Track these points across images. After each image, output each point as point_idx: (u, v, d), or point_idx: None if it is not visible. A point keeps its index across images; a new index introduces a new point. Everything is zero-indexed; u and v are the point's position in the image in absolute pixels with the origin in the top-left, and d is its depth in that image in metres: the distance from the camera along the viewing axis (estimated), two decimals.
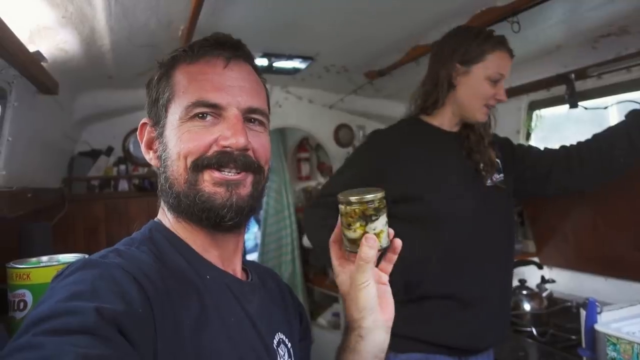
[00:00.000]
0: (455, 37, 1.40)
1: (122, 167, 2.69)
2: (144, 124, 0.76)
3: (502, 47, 1.36)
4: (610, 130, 1.47)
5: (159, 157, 0.73)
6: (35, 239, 1.63)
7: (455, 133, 1.47)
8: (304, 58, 2.17)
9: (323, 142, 3.35)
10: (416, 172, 1.39)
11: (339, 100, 3.00)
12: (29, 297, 1.10)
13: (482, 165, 1.41)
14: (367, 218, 0.70)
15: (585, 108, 1.79)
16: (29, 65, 1.36)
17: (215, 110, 0.68)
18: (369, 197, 0.70)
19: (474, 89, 1.37)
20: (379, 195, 0.70)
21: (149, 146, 0.75)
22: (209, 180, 0.67)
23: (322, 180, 4.26)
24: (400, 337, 1.36)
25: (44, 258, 1.21)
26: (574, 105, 1.75)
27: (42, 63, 1.50)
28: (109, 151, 2.70)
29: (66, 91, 1.86)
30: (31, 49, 1.38)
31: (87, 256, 0.68)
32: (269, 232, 4.07)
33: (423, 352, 1.36)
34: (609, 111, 1.77)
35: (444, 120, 1.46)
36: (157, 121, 0.73)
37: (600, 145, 1.45)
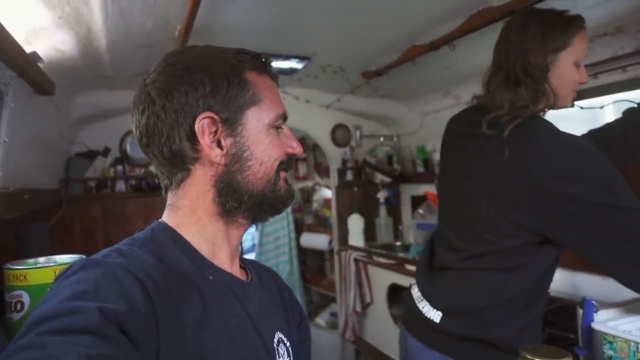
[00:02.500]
0: (537, 22, 1.25)
1: (119, 167, 2.69)
2: (208, 117, 0.70)
3: (583, 28, 1.25)
4: (607, 127, 1.47)
5: (232, 155, 0.72)
6: (32, 240, 1.63)
7: None
8: (301, 58, 2.17)
9: (320, 142, 3.35)
10: None
11: (336, 100, 3.00)
12: (26, 298, 1.09)
13: None
14: None
15: (581, 107, 1.79)
16: (25, 66, 1.36)
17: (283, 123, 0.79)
18: None
19: (564, 77, 1.25)
20: None
21: (217, 143, 0.71)
22: (282, 179, 0.77)
23: (319, 180, 4.26)
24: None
25: (41, 259, 1.21)
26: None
27: (38, 64, 1.49)
28: (106, 152, 2.70)
29: (63, 92, 1.86)
30: (27, 49, 1.38)
31: (84, 257, 0.68)
32: (267, 232, 4.07)
33: None
34: (605, 110, 1.78)
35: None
36: (230, 119, 0.71)
37: (595, 141, 1.45)
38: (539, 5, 1.37)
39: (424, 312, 1.35)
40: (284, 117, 0.78)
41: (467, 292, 1.29)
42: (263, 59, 0.77)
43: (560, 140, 1.18)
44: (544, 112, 1.32)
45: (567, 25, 1.23)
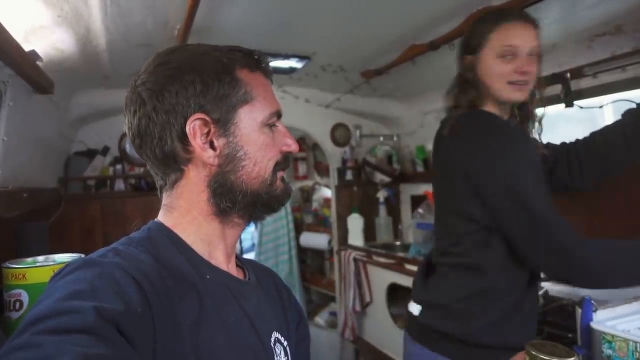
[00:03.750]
0: (468, 27, 1.34)
1: (118, 166, 2.69)
2: (199, 118, 0.69)
3: (506, 20, 1.27)
4: (606, 130, 1.47)
5: (225, 156, 0.71)
6: (31, 239, 1.63)
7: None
8: (301, 57, 2.17)
9: (320, 142, 3.35)
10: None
11: (336, 100, 3.00)
12: (24, 297, 1.09)
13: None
14: None
15: (581, 107, 1.79)
16: (24, 65, 1.36)
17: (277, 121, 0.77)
18: None
19: (488, 73, 1.29)
20: None
21: (210, 144, 0.71)
22: (279, 179, 0.77)
23: (318, 179, 4.27)
24: (497, 349, 1.24)
25: (40, 258, 1.21)
26: (569, 104, 1.76)
27: (37, 62, 1.49)
28: (105, 151, 2.69)
29: (62, 91, 1.85)
30: (26, 48, 1.38)
31: (83, 256, 0.68)
32: (266, 231, 4.07)
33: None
34: (604, 110, 1.78)
35: (496, 109, 1.34)
36: (222, 119, 0.70)
37: (597, 145, 1.45)
38: (537, 5, 1.38)
39: (409, 305, 1.42)
40: (278, 114, 0.76)
41: (438, 287, 1.35)
42: (255, 56, 0.76)
43: (484, 134, 1.25)
44: (517, 112, 1.36)
45: (484, 22, 1.30)
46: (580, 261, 1.16)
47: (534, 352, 0.69)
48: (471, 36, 1.31)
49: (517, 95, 1.29)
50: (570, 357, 0.69)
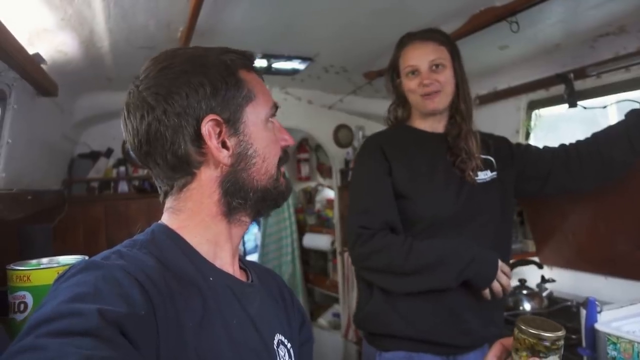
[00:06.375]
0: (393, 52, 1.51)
1: (122, 168, 2.69)
2: (212, 119, 0.70)
3: (406, 44, 1.45)
4: (610, 130, 1.47)
5: (237, 155, 0.72)
6: (35, 241, 1.63)
7: (442, 133, 1.48)
8: (303, 59, 2.17)
9: (323, 143, 3.35)
10: (400, 171, 1.41)
11: (338, 101, 3.00)
12: (29, 299, 1.10)
13: (459, 160, 1.40)
14: (534, 353, 0.69)
15: (584, 107, 1.79)
16: (28, 68, 1.37)
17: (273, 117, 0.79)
18: (544, 334, 0.68)
19: (407, 90, 1.46)
20: (555, 335, 0.68)
21: (222, 144, 0.71)
22: (282, 174, 0.79)
23: (321, 180, 4.26)
24: (384, 336, 1.37)
25: (44, 260, 1.21)
26: (573, 104, 1.75)
27: (41, 65, 1.50)
28: (109, 153, 2.70)
29: (66, 93, 1.86)
30: (30, 51, 1.39)
31: (87, 258, 0.68)
32: (269, 232, 4.07)
33: (408, 349, 1.36)
34: (608, 110, 1.78)
35: (422, 123, 1.50)
36: (231, 119, 0.71)
37: (599, 146, 1.45)
38: (539, 6, 1.38)
39: None
40: (276, 108, 0.79)
41: None
42: (248, 56, 0.79)
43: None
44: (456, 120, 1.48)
45: (395, 50, 1.49)
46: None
47: (523, 326, 0.69)
48: (392, 62, 1.49)
49: (429, 105, 1.43)
50: (558, 331, 0.69)
